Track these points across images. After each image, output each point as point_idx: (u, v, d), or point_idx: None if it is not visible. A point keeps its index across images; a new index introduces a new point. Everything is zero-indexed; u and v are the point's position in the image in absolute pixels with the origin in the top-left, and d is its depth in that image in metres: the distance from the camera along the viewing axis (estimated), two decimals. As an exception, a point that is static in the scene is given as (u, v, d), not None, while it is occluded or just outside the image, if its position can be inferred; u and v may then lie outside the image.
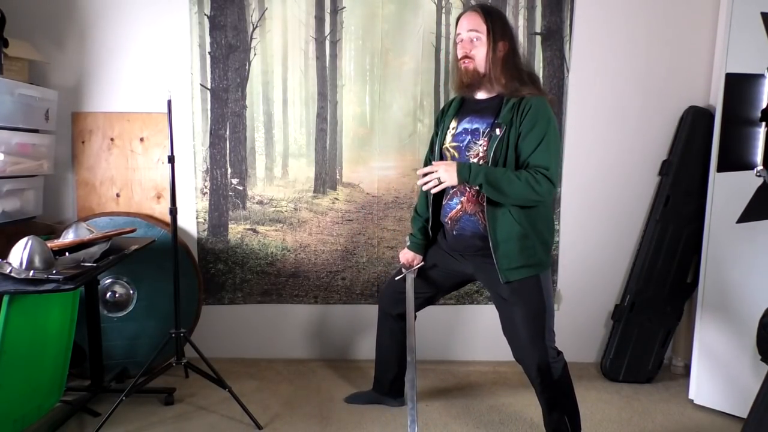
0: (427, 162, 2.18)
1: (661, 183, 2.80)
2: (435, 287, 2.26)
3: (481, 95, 1.99)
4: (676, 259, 2.75)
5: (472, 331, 2.94)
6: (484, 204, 1.90)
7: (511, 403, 2.49)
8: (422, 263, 2.23)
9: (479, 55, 1.91)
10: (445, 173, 1.85)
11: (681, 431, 2.31)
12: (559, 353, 2.00)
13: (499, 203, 1.87)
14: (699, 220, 2.56)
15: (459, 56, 1.95)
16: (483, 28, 1.89)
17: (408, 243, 2.26)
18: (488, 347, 2.88)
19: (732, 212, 2.22)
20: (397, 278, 2.26)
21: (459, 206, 1.99)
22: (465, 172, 1.84)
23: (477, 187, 1.88)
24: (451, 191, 2.02)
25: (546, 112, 1.87)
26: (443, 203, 2.07)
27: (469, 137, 1.96)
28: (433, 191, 1.93)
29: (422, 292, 2.27)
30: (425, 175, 1.89)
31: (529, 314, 1.94)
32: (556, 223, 2.85)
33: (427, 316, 2.86)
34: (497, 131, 1.88)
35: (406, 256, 2.26)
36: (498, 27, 1.90)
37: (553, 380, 1.96)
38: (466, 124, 1.99)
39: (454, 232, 2.03)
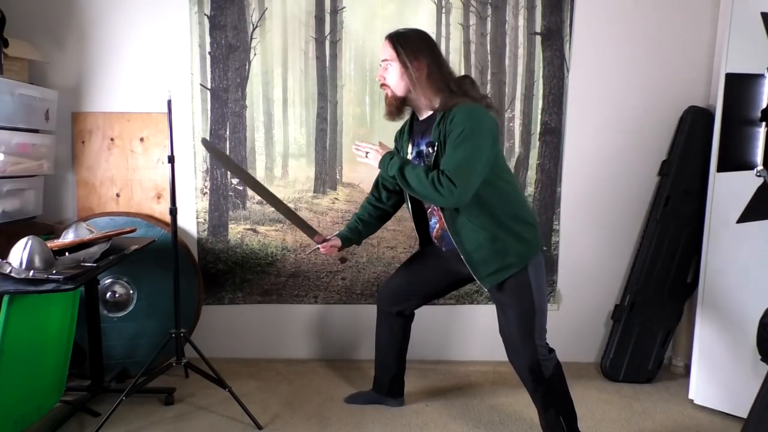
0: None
1: (661, 183, 2.80)
2: (435, 284, 2.26)
3: (423, 115, 2.01)
4: (676, 259, 2.75)
5: (472, 331, 2.94)
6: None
7: (511, 403, 2.49)
8: (334, 244, 2.18)
9: (392, 81, 1.95)
10: (373, 155, 1.98)
11: (681, 431, 2.31)
12: (551, 351, 2.00)
13: (458, 216, 1.91)
14: (699, 220, 2.56)
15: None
16: (392, 54, 1.92)
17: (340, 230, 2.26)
18: (488, 347, 2.88)
19: (732, 212, 2.22)
20: (311, 249, 2.25)
21: (437, 225, 2.06)
22: (385, 160, 1.94)
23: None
24: (429, 210, 2.09)
25: (468, 117, 1.83)
26: (427, 223, 2.13)
27: (419, 160, 2.00)
28: (358, 159, 2.05)
29: (422, 290, 2.28)
30: (363, 146, 2.01)
31: (519, 312, 1.95)
32: (555, 223, 2.85)
33: (428, 316, 2.86)
34: (429, 150, 1.93)
35: (335, 239, 2.21)
36: (409, 49, 1.90)
37: (544, 378, 1.96)
38: (416, 147, 2.04)
39: (443, 248, 2.09)
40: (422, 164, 1.95)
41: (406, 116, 2.06)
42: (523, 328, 1.95)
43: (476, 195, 1.87)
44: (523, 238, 1.93)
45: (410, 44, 1.92)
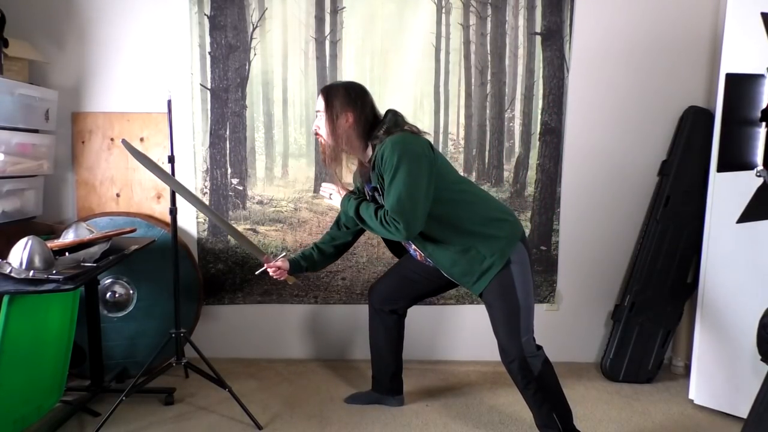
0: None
1: (661, 183, 2.80)
2: (426, 286, 2.28)
3: (365, 160, 2.06)
4: (676, 259, 2.75)
5: (472, 331, 2.94)
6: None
7: (511, 403, 2.49)
8: (281, 266, 2.20)
9: (323, 131, 2.01)
10: (336, 196, 2.13)
11: (681, 431, 2.31)
12: (539, 348, 2.01)
13: (426, 242, 1.98)
14: (699, 220, 2.56)
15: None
16: (322, 105, 2.00)
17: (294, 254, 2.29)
18: (488, 347, 2.86)
19: (732, 212, 2.22)
20: (257, 272, 2.27)
21: (416, 253, 2.14)
22: (344, 202, 2.08)
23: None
24: (403, 243, 2.17)
25: (392, 151, 1.87)
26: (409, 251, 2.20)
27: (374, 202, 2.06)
28: (324, 201, 2.26)
29: (414, 290, 2.30)
30: (326, 188, 2.17)
31: (504, 312, 1.97)
32: (555, 223, 2.85)
33: (428, 316, 2.87)
34: (375, 195, 2.02)
35: (284, 262, 2.22)
36: (337, 102, 1.97)
37: (533, 376, 1.97)
38: (368, 192, 2.11)
39: (431, 265, 2.12)
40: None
41: (346, 162, 2.10)
42: (509, 326, 1.97)
43: (433, 217, 1.92)
44: (496, 237, 1.96)
45: (338, 97, 1.99)
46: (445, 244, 1.97)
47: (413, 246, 2.09)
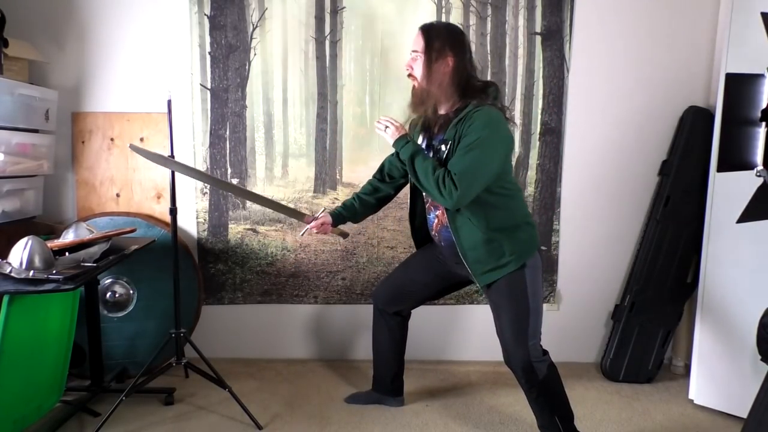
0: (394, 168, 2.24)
1: (661, 183, 2.80)
2: (432, 287, 2.26)
3: (441, 110, 1.99)
4: (676, 259, 2.75)
5: (472, 332, 2.94)
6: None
7: (511, 404, 2.49)
8: (324, 221, 2.19)
9: (418, 73, 1.94)
10: (391, 131, 1.98)
11: (681, 431, 2.31)
12: (545, 353, 2.00)
13: (460, 215, 1.93)
14: (699, 220, 2.56)
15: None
16: (421, 46, 1.91)
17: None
18: (488, 347, 2.87)
19: (732, 212, 2.22)
20: (300, 233, 2.29)
21: (436, 220, 2.07)
22: (400, 143, 1.95)
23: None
24: (427, 204, 2.10)
25: (486, 125, 1.83)
26: (426, 217, 2.13)
27: (429, 153, 2.00)
28: (376, 131, 2.05)
29: (418, 292, 2.28)
30: (385, 120, 2.03)
31: (513, 313, 1.95)
32: (555, 223, 2.85)
33: (427, 316, 2.86)
34: (443, 147, 1.92)
35: (324, 215, 2.21)
36: (438, 43, 1.89)
37: (538, 380, 1.96)
38: (428, 140, 2.03)
39: (442, 243, 2.09)
40: (432, 157, 1.95)
41: (421, 111, 2.02)
42: (517, 330, 1.95)
43: (478, 199, 1.88)
44: (519, 239, 1.95)
45: (440, 38, 1.90)
46: (475, 226, 1.91)
47: (438, 213, 2.03)
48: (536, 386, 1.97)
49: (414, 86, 1.97)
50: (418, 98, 1.96)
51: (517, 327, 1.95)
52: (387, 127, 2.00)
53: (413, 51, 1.94)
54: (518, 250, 1.94)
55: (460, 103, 1.93)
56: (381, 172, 2.28)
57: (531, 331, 1.95)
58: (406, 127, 2.05)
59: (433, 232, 2.12)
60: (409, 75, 1.97)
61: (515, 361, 1.97)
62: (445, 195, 1.82)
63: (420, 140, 2.06)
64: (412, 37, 2.68)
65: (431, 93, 1.93)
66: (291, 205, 2.80)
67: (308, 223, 2.20)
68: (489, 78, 2.76)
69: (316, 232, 2.22)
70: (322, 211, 2.23)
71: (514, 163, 2.80)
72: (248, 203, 2.82)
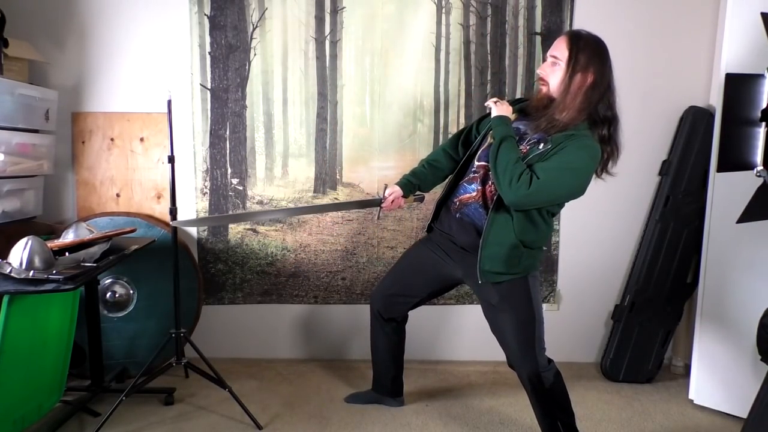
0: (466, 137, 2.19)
1: (661, 183, 2.80)
2: (424, 291, 2.24)
3: (556, 114, 1.88)
4: (676, 259, 2.75)
5: (472, 332, 2.94)
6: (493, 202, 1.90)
7: (511, 403, 2.49)
8: (394, 194, 2.13)
9: (553, 81, 1.85)
10: (501, 106, 1.93)
11: (681, 431, 2.31)
12: (551, 362, 2.00)
13: (505, 209, 1.87)
14: (699, 220, 2.56)
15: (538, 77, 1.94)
16: (565, 55, 1.82)
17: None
18: (488, 347, 2.86)
19: (732, 212, 2.22)
20: (377, 218, 2.29)
21: (475, 192, 1.97)
22: (499, 121, 1.90)
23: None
24: (472, 174, 2.00)
25: (589, 156, 1.80)
26: (460, 183, 2.03)
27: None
28: (486, 103, 2.01)
29: (411, 296, 2.25)
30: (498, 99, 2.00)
31: (518, 322, 1.94)
32: (555, 223, 2.85)
33: (428, 316, 2.86)
34: (541, 146, 1.84)
35: (392, 189, 2.15)
36: (584, 57, 1.80)
37: (545, 389, 1.96)
38: (519, 124, 1.96)
39: (457, 215, 2.01)
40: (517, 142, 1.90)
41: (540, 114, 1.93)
42: (523, 339, 1.94)
43: (530, 213, 1.88)
44: (534, 257, 1.98)
45: (587, 52, 1.81)
46: (511, 228, 1.87)
47: (479, 189, 1.95)
48: (542, 394, 1.97)
49: (542, 90, 1.90)
50: (540, 102, 1.89)
51: (524, 337, 1.94)
52: (499, 102, 1.95)
53: (552, 56, 1.86)
54: (529, 264, 1.95)
55: (575, 120, 1.83)
56: (456, 139, 2.19)
57: (538, 338, 1.95)
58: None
59: (456, 201, 2.01)
60: (541, 79, 1.90)
61: (522, 371, 1.97)
62: (513, 188, 1.76)
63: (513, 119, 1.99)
64: (412, 38, 2.73)
65: (558, 102, 1.84)
66: (291, 206, 2.80)
67: (382, 207, 2.13)
68: (489, 78, 2.76)
69: (391, 209, 2.17)
70: (387, 189, 2.14)
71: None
72: (248, 204, 2.82)
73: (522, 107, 2.02)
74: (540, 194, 1.79)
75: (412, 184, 2.16)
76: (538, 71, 1.94)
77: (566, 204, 2.79)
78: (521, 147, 1.88)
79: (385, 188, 2.15)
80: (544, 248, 2.03)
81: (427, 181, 2.19)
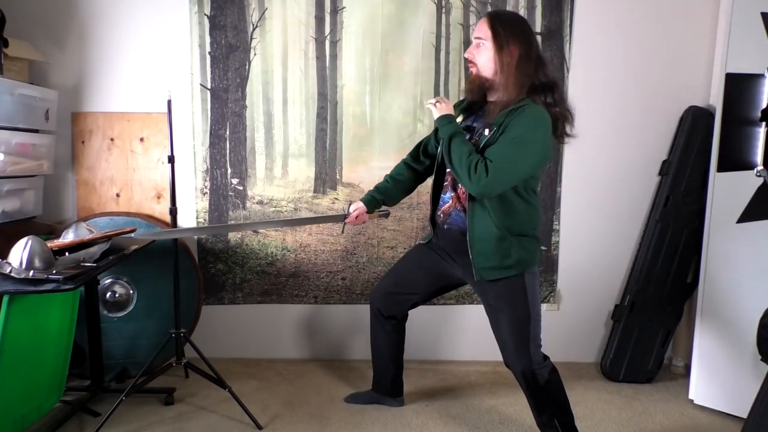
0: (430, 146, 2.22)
1: (661, 183, 2.80)
2: (424, 289, 2.25)
3: (492, 97, 1.94)
4: (676, 259, 2.75)
5: (472, 332, 2.94)
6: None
7: (511, 403, 2.49)
8: (358, 211, 2.20)
9: (481, 61, 1.89)
10: (441, 106, 1.96)
11: (681, 431, 2.31)
12: (546, 358, 2.00)
13: (479, 205, 1.89)
14: (699, 220, 2.56)
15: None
16: (488, 33, 1.86)
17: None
18: (488, 347, 2.86)
19: (732, 212, 2.22)
20: (342, 231, 2.32)
21: (450, 201, 2.02)
22: (443, 120, 1.93)
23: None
24: (444, 184, 2.05)
25: (534, 123, 1.80)
26: (439, 196, 2.08)
27: (468, 135, 1.96)
28: (426, 104, 2.06)
29: (411, 294, 2.26)
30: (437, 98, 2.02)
31: (513, 319, 1.94)
32: (555, 223, 2.85)
33: (428, 316, 2.86)
34: (486, 132, 1.88)
35: (356, 205, 2.22)
36: (506, 32, 1.84)
37: (539, 386, 1.96)
38: (468, 122, 2.00)
39: (444, 226, 2.05)
40: (470, 139, 1.92)
41: (478, 97, 1.97)
42: (518, 336, 1.94)
43: (505, 197, 1.87)
44: (526, 248, 1.94)
45: (508, 27, 1.86)
46: (491, 220, 1.89)
47: (454, 195, 1.99)
48: (537, 391, 1.97)
49: (472, 72, 1.93)
50: (476, 85, 1.92)
51: (518, 334, 1.94)
52: (438, 102, 1.97)
53: (476, 38, 1.90)
54: (523, 257, 1.93)
55: (516, 96, 1.85)
56: (417, 151, 2.23)
57: (532, 336, 1.95)
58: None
59: (440, 213, 2.06)
60: (470, 62, 1.92)
61: (516, 368, 1.97)
62: (474, 180, 1.79)
63: (459, 119, 2.01)
64: (412, 38, 2.73)
65: (490, 81, 1.89)
66: (291, 206, 2.81)
67: (346, 221, 2.20)
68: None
69: (354, 224, 2.22)
70: (351, 205, 2.21)
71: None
72: (248, 203, 2.82)
73: (466, 104, 2.04)
74: (500, 176, 1.79)
75: (376, 200, 2.22)
76: (465, 55, 1.97)
77: (566, 204, 2.84)
78: (472, 139, 1.91)
79: (350, 204, 2.23)
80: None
81: (392, 196, 2.25)
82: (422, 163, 2.22)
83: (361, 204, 2.21)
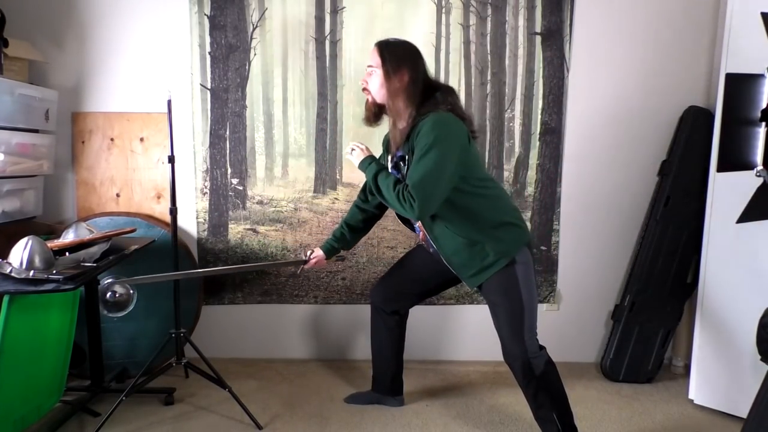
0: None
1: (661, 183, 2.80)
2: (426, 285, 2.28)
3: (399, 125, 2.00)
4: (676, 259, 2.75)
5: (472, 331, 2.94)
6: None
7: (511, 403, 2.49)
8: (317, 258, 2.29)
9: (373, 88, 1.97)
10: (357, 153, 2.06)
11: (681, 431, 2.31)
12: (542, 348, 2.01)
13: (436, 224, 1.96)
14: (699, 220, 2.56)
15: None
16: (377, 61, 1.95)
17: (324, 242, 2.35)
18: (488, 347, 2.87)
19: (732, 212, 2.22)
20: (298, 271, 2.38)
21: (421, 231, 2.09)
22: (364, 164, 2.02)
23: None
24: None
25: (432, 128, 1.84)
26: (414, 227, 2.16)
27: (397, 170, 2.03)
28: (345, 156, 2.21)
29: (415, 289, 2.30)
30: (353, 144, 2.12)
31: (508, 309, 1.97)
32: (555, 223, 2.85)
33: (428, 316, 2.87)
34: (401, 163, 1.97)
35: (316, 253, 2.31)
36: (394, 58, 1.93)
37: (534, 376, 1.97)
38: (394, 158, 2.07)
39: (431, 250, 2.12)
40: (399, 174, 1.99)
41: (384, 123, 2.08)
42: (513, 326, 1.96)
43: (450, 203, 1.90)
44: (502, 239, 1.95)
45: (396, 54, 1.95)
46: (453, 232, 1.94)
47: (419, 224, 2.05)
48: (534, 381, 1.98)
49: (368, 100, 2.02)
50: (371, 112, 2.01)
51: (513, 324, 1.96)
52: (353, 150, 2.08)
53: (369, 66, 1.99)
54: (502, 249, 1.94)
55: (412, 116, 1.94)
56: (364, 192, 2.31)
57: (527, 326, 1.96)
58: (379, 145, 2.11)
59: (421, 243, 2.17)
60: (364, 89, 2.01)
61: (512, 358, 1.99)
62: (407, 208, 1.84)
63: (389, 158, 2.10)
64: (412, 38, 2.71)
65: (385, 106, 1.97)
66: (291, 206, 2.81)
67: (305, 267, 2.30)
68: (489, 78, 2.76)
69: (313, 268, 2.37)
70: (311, 253, 2.30)
71: (514, 163, 2.81)
72: (248, 204, 2.82)
73: (386, 137, 2.12)
74: (427, 194, 1.82)
75: (335, 249, 2.31)
76: (360, 82, 2.05)
77: (566, 204, 2.84)
78: (407, 168, 1.96)
79: (311, 252, 2.30)
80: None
81: (348, 242, 2.33)
82: (371, 203, 2.28)
83: (321, 252, 2.30)
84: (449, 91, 2.00)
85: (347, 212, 2.35)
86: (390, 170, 2.04)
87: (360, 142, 2.10)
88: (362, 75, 2.71)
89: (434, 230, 1.98)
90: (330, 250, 2.30)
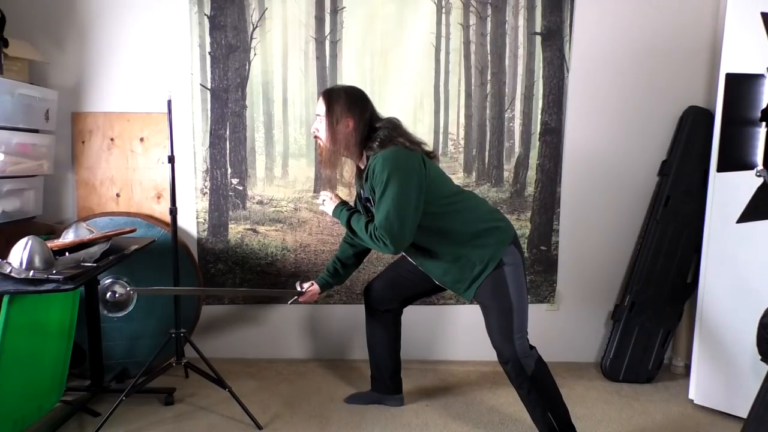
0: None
1: (660, 183, 2.80)
2: (420, 287, 2.29)
3: (362, 166, 2.07)
4: (676, 259, 2.75)
5: (472, 331, 2.93)
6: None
7: (511, 403, 2.49)
8: (313, 292, 2.32)
9: (323, 135, 2.03)
10: (328, 203, 2.16)
11: (681, 431, 2.31)
12: (532, 348, 2.02)
13: (417, 253, 2.03)
14: (699, 220, 2.56)
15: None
16: (323, 109, 2.01)
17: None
18: (488, 347, 2.85)
19: (732, 212, 2.21)
20: (289, 302, 2.37)
21: (411, 260, 2.15)
22: (336, 212, 2.12)
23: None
24: None
25: (383, 167, 1.88)
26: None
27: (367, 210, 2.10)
28: (319, 207, 2.24)
29: (408, 291, 2.32)
30: (322, 195, 2.20)
31: (498, 311, 1.99)
32: (555, 223, 2.85)
33: (427, 316, 2.87)
34: (368, 205, 2.05)
35: (312, 288, 2.33)
36: (338, 107, 1.99)
37: (527, 376, 1.98)
38: (360, 202, 2.14)
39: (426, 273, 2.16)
40: (370, 213, 2.04)
41: (346, 166, 2.12)
42: (502, 327, 1.98)
43: (425, 228, 1.95)
44: (485, 245, 1.98)
45: (340, 103, 2.00)
46: (435, 255, 2.01)
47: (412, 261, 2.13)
48: (526, 381, 1.99)
49: (320, 146, 2.07)
50: (325, 158, 2.06)
51: (503, 324, 1.98)
52: (324, 201, 2.16)
53: (317, 114, 2.04)
54: (488, 254, 1.97)
55: (359, 158, 2.04)
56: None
57: (516, 327, 1.98)
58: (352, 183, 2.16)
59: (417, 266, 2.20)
60: (316, 137, 2.07)
61: (504, 359, 2.01)
62: (382, 247, 1.91)
63: (361, 191, 2.14)
64: (412, 38, 2.74)
65: (337, 152, 2.03)
66: (291, 206, 2.81)
67: (300, 298, 2.33)
68: (489, 78, 2.76)
69: (307, 302, 2.38)
70: (310, 285, 2.33)
71: (514, 163, 2.81)
72: (248, 203, 2.82)
73: (356, 174, 2.17)
74: (397, 229, 1.88)
75: (330, 284, 2.35)
76: (312, 130, 2.09)
77: (566, 204, 2.84)
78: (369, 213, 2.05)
79: (305, 283, 2.33)
80: (490, 227, 1.96)
81: (341, 277, 2.36)
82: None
83: (316, 286, 2.33)
84: (392, 126, 2.01)
85: (338, 248, 2.37)
86: (362, 210, 2.12)
87: (329, 190, 2.18)
88: (362, 75, 2.76)
89: (417, 258, 2.07)
90: (324, 285, 2.34)
